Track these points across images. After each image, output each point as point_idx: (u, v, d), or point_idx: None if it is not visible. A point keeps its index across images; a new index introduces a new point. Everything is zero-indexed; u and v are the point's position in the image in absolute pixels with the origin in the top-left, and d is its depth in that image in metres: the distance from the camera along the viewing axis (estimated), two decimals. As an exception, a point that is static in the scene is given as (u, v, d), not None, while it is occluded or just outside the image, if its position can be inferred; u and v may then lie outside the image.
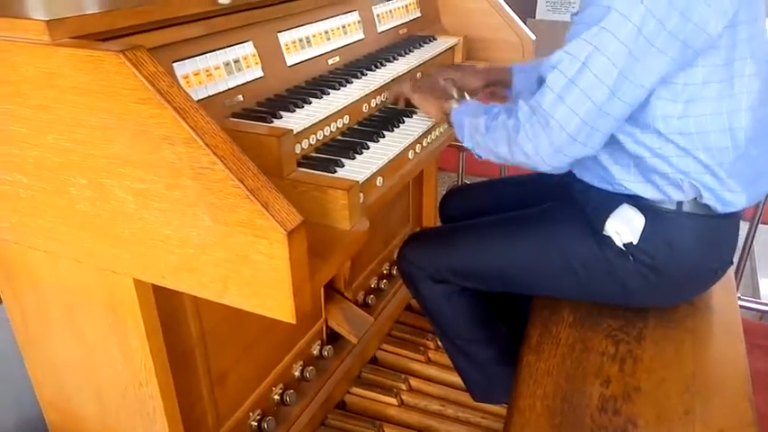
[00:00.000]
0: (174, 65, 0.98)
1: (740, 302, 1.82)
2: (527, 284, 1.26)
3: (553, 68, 0.97)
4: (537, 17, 6.41)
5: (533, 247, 1.20)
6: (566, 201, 1.22)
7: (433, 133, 1.31)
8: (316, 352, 1.60)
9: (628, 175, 1.07)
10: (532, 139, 1.00)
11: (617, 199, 1.10)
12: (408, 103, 1.34)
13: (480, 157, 1.17)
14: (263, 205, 0.74)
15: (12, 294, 1.14)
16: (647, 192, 1.07)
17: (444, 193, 1.68)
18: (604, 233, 1.12)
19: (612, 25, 0.90)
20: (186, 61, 1.00)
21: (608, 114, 0.95)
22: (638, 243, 1.08)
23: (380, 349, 1.87)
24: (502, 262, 1.26)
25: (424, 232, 1.55)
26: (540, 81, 1.01)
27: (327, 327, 1.63)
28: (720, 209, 1.04)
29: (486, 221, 1.32)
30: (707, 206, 1.05)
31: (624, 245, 1.10)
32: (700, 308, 1.22)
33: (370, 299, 1.81)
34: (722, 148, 1.01)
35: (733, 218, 1.09)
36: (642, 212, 1.08)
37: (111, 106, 0.78)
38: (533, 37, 1.83)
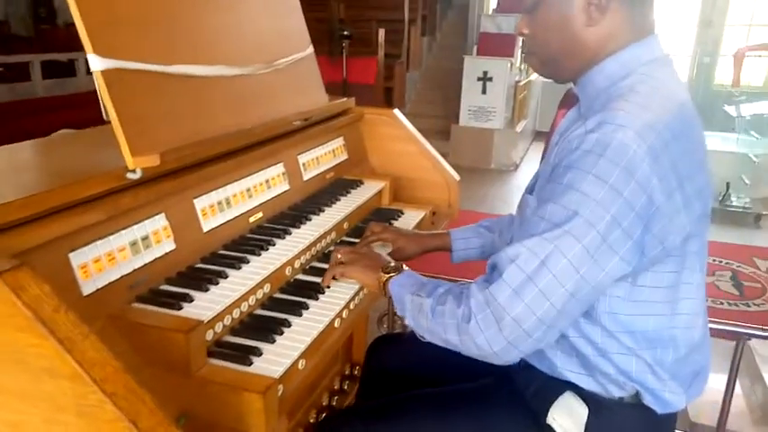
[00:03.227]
0: (71, 255, 0.88)
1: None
2: None
3: (511, 262, 0.92)
4: (460, 123, 6.79)
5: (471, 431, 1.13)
6: (502, 376, 1.16)
7: (362, 292, 1.25)
8: None
9: (570, 364, 1.05)
10: (485, 331, 0.93)
11: (558, 385, 1.06)
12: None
13: (424, 338, 1.08)
14: (159, 451, 0.64)
15: None
16: (589, 384, 1.04)
17: (372, 341, 1.60)
18: (547, 422, 1.06)
19: (577, 230, 0.89)
20: (86, 248, 0.91)
21: (566, 313, 0.93)
22: None
23: None
24: None
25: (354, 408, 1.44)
26: (492, 267, 0.98)
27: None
28: (660, 410, 1.03)
29: (418, 397, 1.23)
30: (647, 407, 1.03)
31: None
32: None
33: (296, 457, 1.67)
34: (664, 349, 1.01)
35: (672, 415, 1.07)
36: (585, 402, 1.04)
37: (-15, 329, 0.67)
38: (458, 177, 1.86)
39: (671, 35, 8.09)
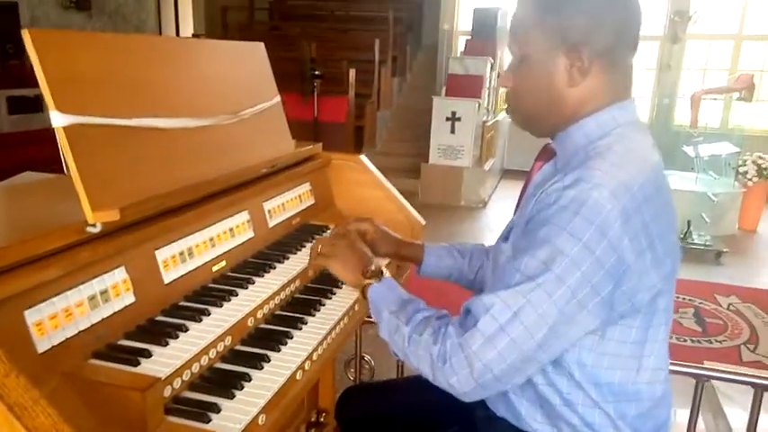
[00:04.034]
0: (26, 313, 0.87)
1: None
2: None
3: (486, 311, 0.96)
4: (430, 162, 6.89)
5: None
6: (467, 426, 1.17)
7: (325, 342, 1.25)
8: None
9: (535, 413, 1.06)
10: (458, 373, 0.97)
11: None
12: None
13: (396, 356, 1.11)
14: None
15: None
16: None
17: (342, 391, 1.59)
18: None
19: (548, 285, 0.92)
20: (42, 305, 0.89)
21: (535, 360, 0.97)
22: None
23: None
24: None
25: None
26: (467, 311, 1.00)
27: None
28: None
29: None
30: None
31: None
32: None
33: None
34: (628, 403, 1.03)
35: None
36: None
37: (-71, 396, 0.66)
38: (422, 221, 1.89)
39: (633, 77, 8.41)
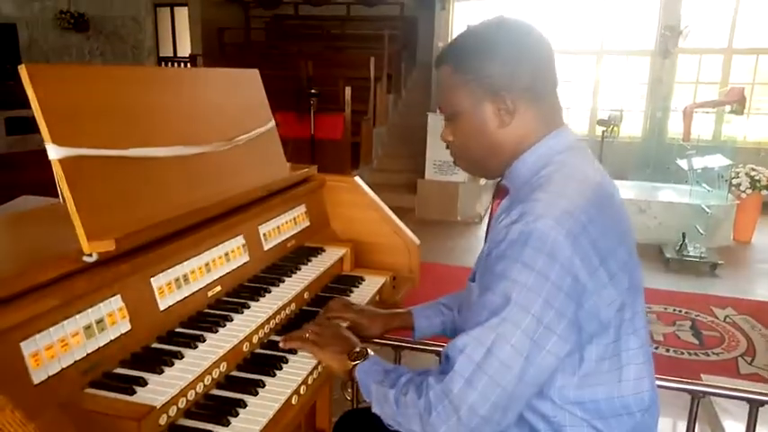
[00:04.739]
0: (22, 344, 0.88)
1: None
2: None
3: (461, 352, 0.97)
4: (426, 177, 6.92)
5: None
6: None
7: (320, 366, 1.26)
8: None
9: None
10: (446, 422, 0.98)
11: None
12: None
13: (391, 427, 1.11)
14: None
15: None
16: None
17: (339, 416, 1.59)
18: None
19: (513, 316, 0.94)
20: (38, 336, 0.90)
21: (518, 396, 0.97)
22: None
23: None
24: None
25: None
26: (446, 357, 1.02)
27: None
28: None
29: None
30: None
31: None
32: None
33: None
34: (617, 417, 1.05)
35: None
36: None
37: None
38: (417, 242, 1.90)
39: (626, 91, 8.53)
